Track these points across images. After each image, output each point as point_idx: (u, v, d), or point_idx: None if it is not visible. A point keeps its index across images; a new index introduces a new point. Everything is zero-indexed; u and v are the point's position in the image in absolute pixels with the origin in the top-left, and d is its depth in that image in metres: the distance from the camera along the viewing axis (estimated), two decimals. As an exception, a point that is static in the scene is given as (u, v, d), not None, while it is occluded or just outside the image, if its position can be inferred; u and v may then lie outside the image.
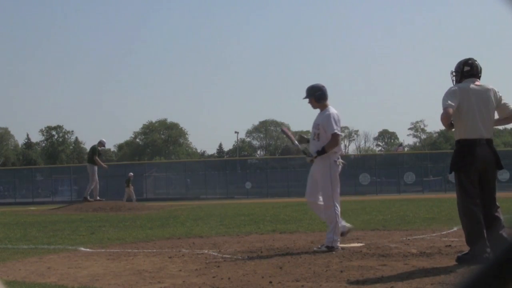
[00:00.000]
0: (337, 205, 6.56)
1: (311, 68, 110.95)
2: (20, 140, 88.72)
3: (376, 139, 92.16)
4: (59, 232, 10.33)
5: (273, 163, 52.77)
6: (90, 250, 7.25)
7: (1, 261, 6.39)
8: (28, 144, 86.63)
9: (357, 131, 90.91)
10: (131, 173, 30.01)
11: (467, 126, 5.27)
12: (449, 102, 5.24)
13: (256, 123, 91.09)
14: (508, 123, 5.59)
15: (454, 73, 5.55)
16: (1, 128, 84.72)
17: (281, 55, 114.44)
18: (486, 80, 5.49)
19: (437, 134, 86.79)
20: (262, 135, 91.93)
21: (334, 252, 6.22)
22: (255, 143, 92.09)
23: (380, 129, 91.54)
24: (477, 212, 5.16)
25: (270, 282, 4.52)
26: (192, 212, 17.42)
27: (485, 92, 5.33)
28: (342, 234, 6.67)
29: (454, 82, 5.54)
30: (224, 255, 6.31)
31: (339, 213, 6.54)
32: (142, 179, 42.22)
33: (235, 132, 70.65)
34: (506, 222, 10.21)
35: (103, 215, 15.13)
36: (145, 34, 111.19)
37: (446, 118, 5.26)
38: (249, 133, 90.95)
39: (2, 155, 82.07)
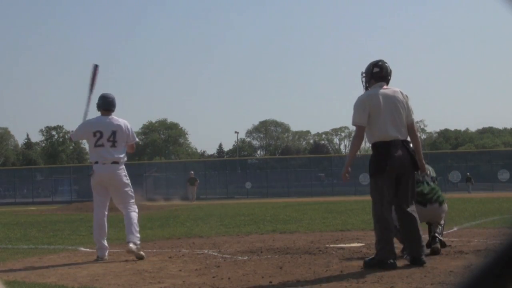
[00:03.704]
0: (95, 216, 6.55)
1: (311, 68, 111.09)
2: (20, 140, 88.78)
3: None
4: (59, 232, 10.33)
5: (273, 163, 52.82)
6: (90, 250, 7.23)
7: (1, 261, 6.39)
8: (28, 144, 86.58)
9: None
10: (192, 172, 29.81)
11: (381, 130, 5.22)
12: (361, 119, 5.24)
13: (256, 123, 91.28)
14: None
15: (364, 74, 5.50)
16: (1, 128, 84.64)
17: (281, 55, 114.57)
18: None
19: (437, 134, 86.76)
20: (262, 135, 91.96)
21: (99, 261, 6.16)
22: (255, 143, 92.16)
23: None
24: (390, 221, 5.23)
25: (270, 282, 4.52)
26: (192, 212, 17.43)
27: (393, 94, 5.31)
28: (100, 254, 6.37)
29: (364, 83, 5.50)
30: (224, 255, 6.31)
31: (96, 226, 6.49)
32: (142, 179, 42.20)
33: (235, 132, 70.73)
34: (506, 222, 10.22)
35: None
36: (145, 34, 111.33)
37: (359, 139, 5.36)
38: (249, 133, 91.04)
39: (2, 155, 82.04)
